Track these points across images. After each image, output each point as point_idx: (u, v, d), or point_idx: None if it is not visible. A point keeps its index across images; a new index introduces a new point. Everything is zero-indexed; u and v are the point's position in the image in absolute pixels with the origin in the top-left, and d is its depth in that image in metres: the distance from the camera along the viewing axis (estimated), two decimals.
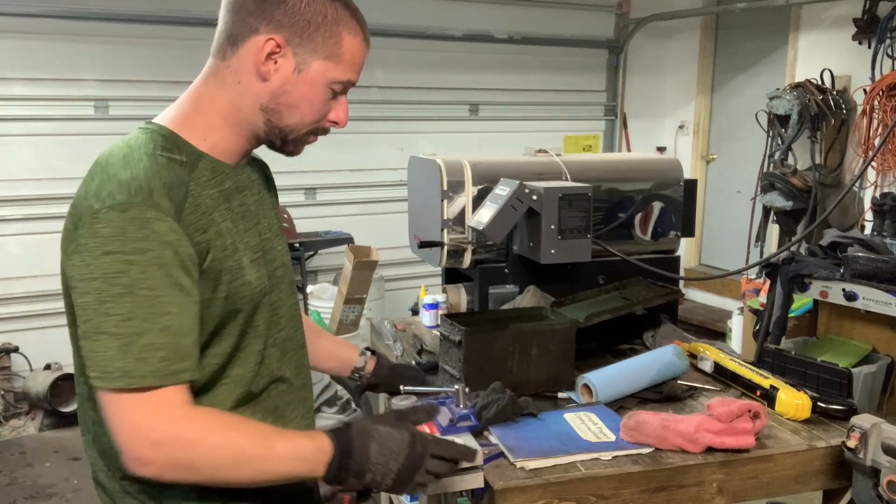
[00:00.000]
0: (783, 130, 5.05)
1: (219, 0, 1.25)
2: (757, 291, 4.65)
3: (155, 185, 1.10)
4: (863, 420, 1.60)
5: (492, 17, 5.88)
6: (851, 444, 1.59)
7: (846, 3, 4.89)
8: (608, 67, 6.50)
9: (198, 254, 1.13)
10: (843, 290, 2.24)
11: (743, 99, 5.96)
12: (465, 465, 1.31)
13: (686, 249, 6.25)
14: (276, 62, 1.18)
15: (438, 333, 2.05)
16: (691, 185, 2.56)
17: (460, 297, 2.47)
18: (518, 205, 2.07)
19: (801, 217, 4.93)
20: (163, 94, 4.66)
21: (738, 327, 4.90)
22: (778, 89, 5.07)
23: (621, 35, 6.43)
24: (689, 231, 2.56)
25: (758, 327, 2.83)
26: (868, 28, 4.75)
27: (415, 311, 3.06)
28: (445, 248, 2.30)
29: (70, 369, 4.44)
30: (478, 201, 2.23)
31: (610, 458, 1.57)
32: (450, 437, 1.43)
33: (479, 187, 2.28)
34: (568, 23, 6.20)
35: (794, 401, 1.77)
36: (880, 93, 4.55)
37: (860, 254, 2.28)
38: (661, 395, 1.88)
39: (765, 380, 1.86)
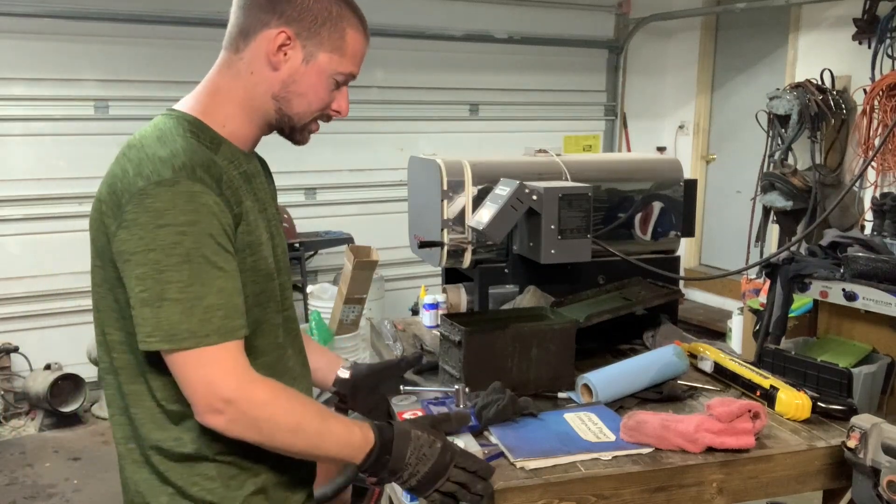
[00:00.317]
0: (783, 130, 5.05)
1: (218, 0, 1.28)
2: (757, 291, 4.65)
3: (195, 161, 1.20)
4: (863, 420, 1.60)
5: (492, 17, 5.88)
6: (851, 444, 1.59)
7: (846, 3, 4.89)
8: (608, 67, 6.50)
9: (235, 225, 1.23)
10: (843, 290, 2.24)
11: (743, 99, 5.96)
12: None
13: (686, 249, 6.25)
14: (285, 53, 1.28)
15: (438, 333, 2.05)
16: (691, 185, 2.56)
17: (460, 297, 2.47)
18: (518, 205, 2.07)
19: (801, 217, 4.93)
20: (163, 94, 4.68)
21: (738, 327, 4.90)
22: (778, 89, 5.07)
23: (621, 35, 6.43)
24: (689, 231, 2.56)
25: (758, 327, 2.82)
26: (868, 28, 4.75)
27: (415, 311, 3.06)
28: (445, 248, 2.30)
29: (70, 369, 4.46)
30: (478, 201, 2.23)
31: (610, 458, 1.57)
32: (449, 439, 1.44)
33: (479, 187, 2.28)
34: (568, 23, 6.20)
35: (794, 401, 1.77)
36: (880, 93, 4.55)
37: (860, 254, 2.28)
38: (661, 395, 1.88)
39: (765, 380, 1.86)
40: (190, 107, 1.30)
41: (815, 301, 2.41)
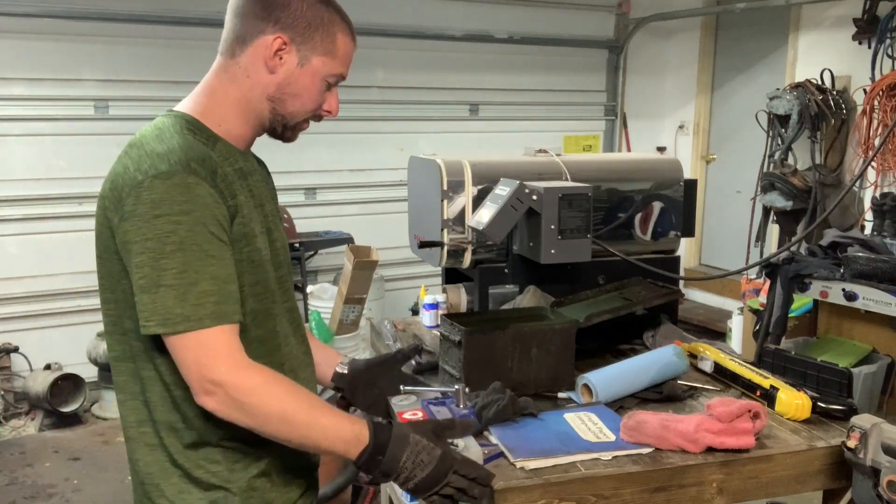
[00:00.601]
0: (783, 130, 5.05)
1: (218, 1, 1.37)
2: (757, 291, 4.65)
3: (190, 155, 1.26)
4: (863, 420, 1.60)
5: (492, 17, 5.88)
6: (851, 444, 1.59)
7: (846, 3, 4.89)
8: (608, 67, 6.50)
9: (230, 217, 1.30)
10: (843, 290, 2.24)
11: (743, 99, 5.96)
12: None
13: (686, 249, 6.25)
14: (281, 58, 1.35)
15: (438, 333, 2.05)
16: (691, 185, 2.56)
17: (460, 297, 2.47)
18: (518, 205, 2.07)
19: (801, 217, 4.93)
20: (163, 94, 4.68)
21: (738, 327, 4.90)
22: (778, 89, 5.07)
23: (621, 35, 6.43)
24: (689, 231, 2.56)
25: (758, 327, 2.82)
26: (868, 28, 4.75)
27: (415, 311, 3.06)
28: (445, 248, 2.30)
29: (70, 369, 4.46)
30: (478, 201, 2.23)
31: (610, 458, 1.57)
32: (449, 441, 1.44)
33: (479, 187, 2.28)
34: (568, 23, 6.20)
35: (794, 401, 1.76)
36: (880, 93, 4.55)
37: (860, 254, 2.28)
38: (661, 395, 1.88)
39: (765, 380, 1.86)
40: (188, 108, 1.37)
41: (815, 301, 2.42)
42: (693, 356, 2.09)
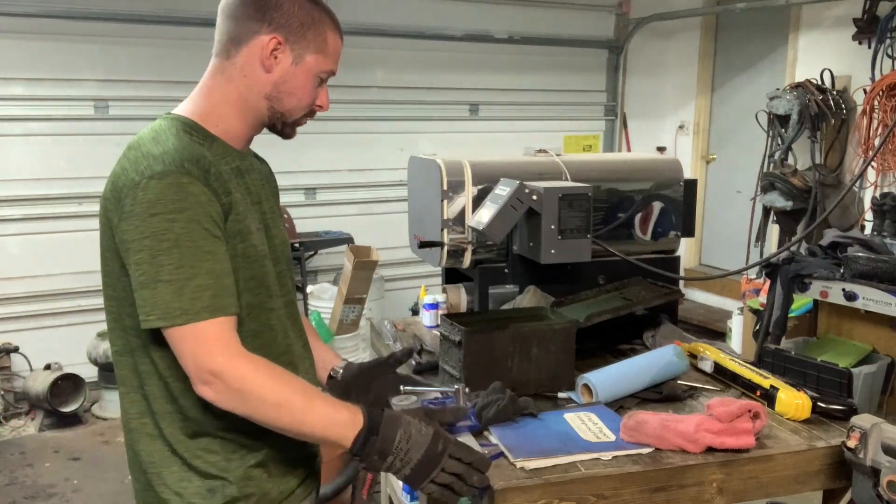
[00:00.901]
0: (783, 130, 5.05)
1: (218, 1, 1.39)
2: (757, 291, 4.65)
3: (184, 156, 1.30)
4: (863, 420, 1.60)
5: (492, 17, 5.88)
6: (851, 444, 1.59)
7: (846, 3, 4.89)
8: (608, 67, 6.50)
9: (224, 213, 1.33)
10: (843, 290, 2.24)
11: (743, 99, 5.96)
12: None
13: (686, 249, 6.25)
14: (276, 57, 1.40)
15: (438, 333, 2.05)
16: (691, 185, 2.56)
17: (460, 297, 2.47)
18: (518, 205, 2.07)
19: (801, 217, 4.93)
20: (163, 94, 4.68)
21: (738, 327, 4.90)
22: (778, 89, 5.07)
23: (621, 35, 6.43)
24: (689, 231, 2.56)
25: (758, 327, 2.82)
26: (868, 28, 4.75)
27: (415, 311, 3.06)
28: (445, 248, 2.30)
29: (70, 369, 4.46)
30: (478, 201, 2.23)
31: (610, 458, 1.57)
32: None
33: (479, 187, 2.28)
34: (568, 23, 6.20)
35: (794, 401, 1.77)
36: (880, 93, 4.55)
37: (860, 254, 2.28)
38: (661, 395, 1.88)
39: (765, 380, 1.86)
40: (186, 110, 1.42)
41: (815, 301, 2.41)
42: (693, 356, 2.09)
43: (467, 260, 2.33)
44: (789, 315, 2.49)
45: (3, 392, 4.48)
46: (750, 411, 1.62)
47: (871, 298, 2.18)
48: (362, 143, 5.56)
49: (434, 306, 2.51)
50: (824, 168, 4.93)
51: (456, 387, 1.74)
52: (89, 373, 4.59)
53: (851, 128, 4.89)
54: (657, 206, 2.49)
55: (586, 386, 1.86)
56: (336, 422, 1.32)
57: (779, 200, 4.92)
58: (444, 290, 2.50)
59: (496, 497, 1.45)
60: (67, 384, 4.44)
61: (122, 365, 1.41)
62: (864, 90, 4.71)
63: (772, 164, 5.16)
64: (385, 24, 5.45)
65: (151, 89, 4.81)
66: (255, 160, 1.53)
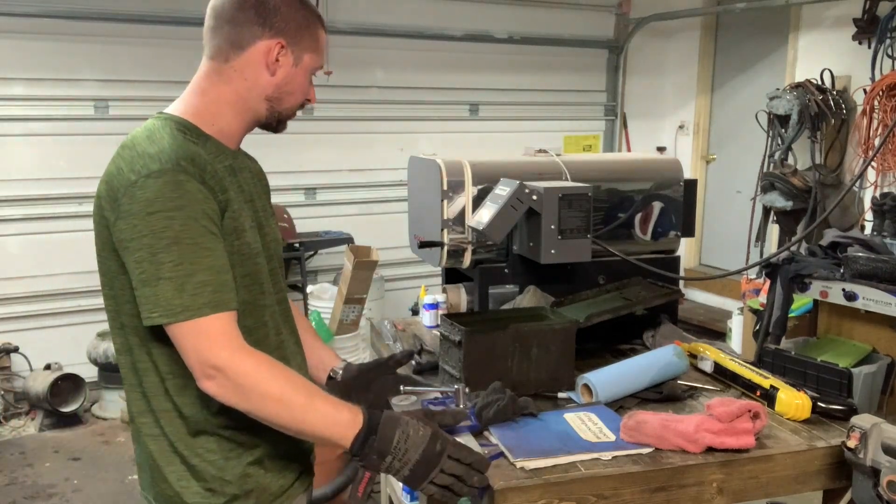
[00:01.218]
0: (783, 130, 5.05)
1: None
2: (757, 291, 4.65)
3: (180, 154, 1.31)
4: (863, 420, 1.60)
5: (492, 17, 5.88)
6: (851, 444, 1.59)
7: (846, 3, 4.89)
8: (608, 67, 6.50)
9: (220, 211, 1.35)
10: (843, 290, 2.23)
11: (743, 99, 5.96)
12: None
13: (686, 249, 6.25)
14: (279, 60, 1.43)
15: (438, 333, 2.05)
16: (691, 185, 2.56)
17: (460, 297, 2.47)
18: (518, 205, 2.07)
19: (801, 217, 4.93)
20: (162, 94, 4.64)
21: (738, 327, 4.90)
22: (778, 89, 5.07)
23: (621, 35, 6.43)
24: (689, 231, 2.56)
25: (758, 327, 2.82)
26: (868, 28, 4.75)
27: (415, 311, 3.06)
28: (445, 248, 2.30)
29: (70, 369, 4.46)
30: (478, 201, 2.23)
31: (610, 458, 1.57)
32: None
33: (479, 187, 2.28)
34: (568, 23, 6.20)
35: (794, 401, 1.77)
36: (880, 93, 4.55)
37: (860, 254, 2.28)
38: (661, 395, 1.88)
39: (765, 380, 1.86)
40: (179, 109, 1.43)
41: (815, 301, 2.41)
42: (693, 356, 2.09)
43: (467, 260, 2.33)
44: (789, 315, 2.48)
45: (3, 392, 4.48)
46: (750, 411, 1.62)
47: (871, 298, 2.18)
48: (362, 143, 5.56)
49: (434, 306, 2.51)
50: (824, 168, 4.93)
51: (456, 387, 1.74)
52: (89, 373, 4.59)
53: (851, 128, 4.89)
54: (657, 206, 2.49)
55: (586, 386, 1.86)
56: (337, 421, 1.32)
57: (779, 200, 4.92)
58: (444, 290, 2.50)
59: (496, 497, 1.45)
60: (67, 384, 4.44)
61: (122, 363, 1.43)
62: (864, 90, 4.71)
63: (772, 164, 5.16)
64: (385, 24, 5.45)
65: (151, 89, 4.81)
66: (246, 159, 1.55)
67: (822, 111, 4.85)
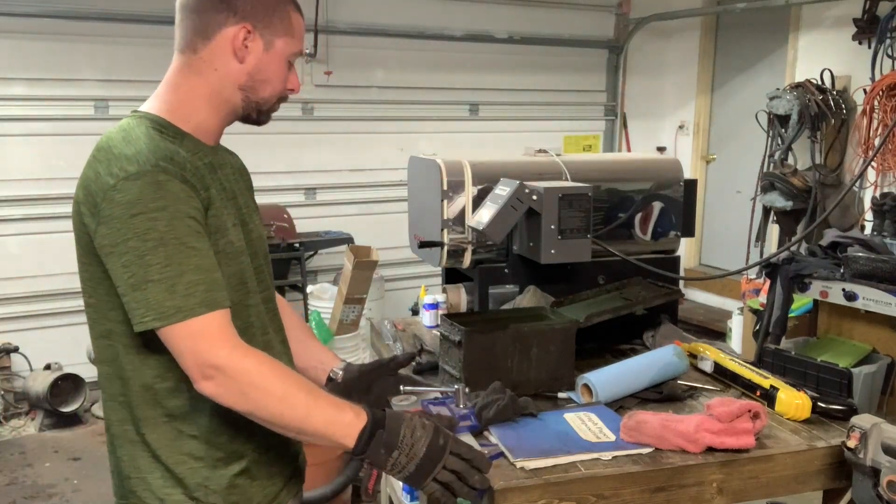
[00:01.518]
0: (783, 130, 5.05)
1: None
2: (757, 291, 4.65)
3: (158, 155, 1.28)
4: (863, 420, 1.60)
5: (492, 17, 5.88)
6: (851, 444, 1.59)
7: (846, 3, 4.89)
8: (608, 67, 6.50)
9: (203, 209, 1.31)
10: (843, 290, 2.24)
11: (743, 99, 5.96)
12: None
13: (686, 249, 6.25)
14: (247, 46, 1.37)
15: (438, 333, 2.05)
16: (691, 185, 2.56)
17: (460, 297, 2.47)
18: (518, 205, 2.07)
19: (801, 217, 4.93)
20: None
21: (738, 327, 4.90)
22: (778, 89, 5.07)
23: (621, 35, 6.43)
24: (689, 231, 2.56)
25: (758, 327, 2.82)
26: (868, 28, 4.75)
27: (415, 311, 3.06)
28: (445, 248, 2.30)
29: (70, 369, 4.46)
30: (478, 201, 2.23)
31: (610, 458, 1.57)
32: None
33: (479, 187, 2.28)
34: (568, 23, 6.20)
35: (794, 401, 1.77)
36: (880, 93, 4.55)
37: (860, 254, 2.28)
38: (661, 395, 1.88)
39: (765, 380, 1.86)
40: (153, 107, 1.39)
41: (815, 301, 2.41)
42: (693, 356, 2.09)
43: (467, 260, 2.33)
44: (789, 315, 2.49)
45: (3, 392, 4.48)
46: (750, 411, 1.62)
47: (871, 298, 2.18)
48: (362, 143, 5.56)
49: (434, 306, 2.51)
50: (824, 168, 4.93)
51: (456, 387, 1.74)
52: (89, 373, 4.58)
53: (851, 128, 4.89)
54: (657, 206, 2.49)
55: (586, 386, 1.86)
56: (340, 422, 1.29)
57: (779, 200, 4.92)
58: (444, 290, 2.50)
59: (496, 497, 1.45)
60: (67, 384, 4.44)
61: (102, 372, 1.39)
62: (864, 90, 4.71)
63: (772, 164, 5.16)
64: (385, 24, 5.44)
65: (151, 89, 4.68)
66: (226, 154, 1.51)
67: (822, 111, 4.85)
